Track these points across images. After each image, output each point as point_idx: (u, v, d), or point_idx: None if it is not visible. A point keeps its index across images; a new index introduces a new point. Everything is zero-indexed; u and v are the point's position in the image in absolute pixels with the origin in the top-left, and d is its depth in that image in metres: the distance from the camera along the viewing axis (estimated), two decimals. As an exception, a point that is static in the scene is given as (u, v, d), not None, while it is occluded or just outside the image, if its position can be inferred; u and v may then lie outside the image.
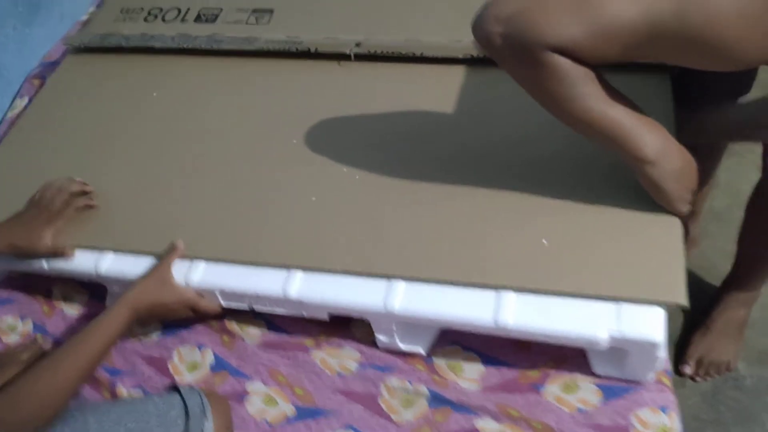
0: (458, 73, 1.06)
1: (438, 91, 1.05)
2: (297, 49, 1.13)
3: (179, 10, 1.26)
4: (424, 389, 0.87)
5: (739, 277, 1.25)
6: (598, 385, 0.85)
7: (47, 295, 1.04)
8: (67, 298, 1.03)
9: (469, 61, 1.06)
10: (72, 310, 1.02)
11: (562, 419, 0.82)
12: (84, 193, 0.97)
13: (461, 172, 0.93)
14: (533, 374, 0.87)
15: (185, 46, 1.18)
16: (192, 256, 0.91)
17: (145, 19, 1.26)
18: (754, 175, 1.11)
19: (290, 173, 0.98)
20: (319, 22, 1.18)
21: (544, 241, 0.84)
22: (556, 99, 0.74)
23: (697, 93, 1.00)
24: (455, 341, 0.91)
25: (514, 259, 0.83)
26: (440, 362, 0.90)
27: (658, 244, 0.82)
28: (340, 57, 1.12)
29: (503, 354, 0.89)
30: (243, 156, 1.02)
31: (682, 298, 0.77)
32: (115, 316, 0.80)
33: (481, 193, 0.90)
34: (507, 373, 0.88)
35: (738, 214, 1.22)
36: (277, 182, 0.97)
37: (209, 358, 0.93)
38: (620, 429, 0.81)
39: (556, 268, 0.82)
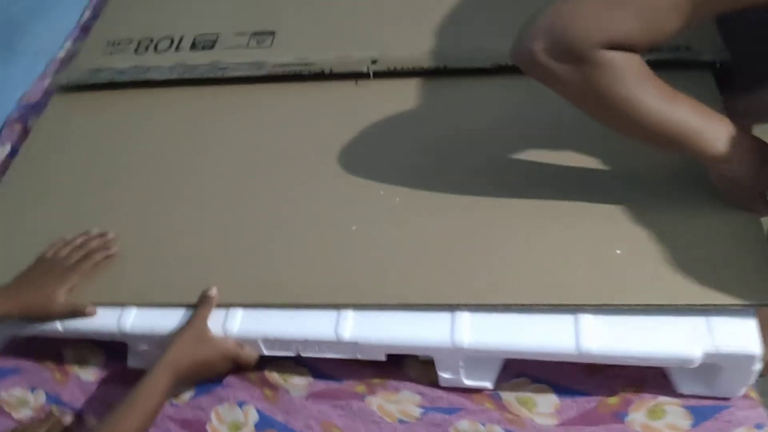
0: (484, 83, 1.00)
1: (465, 103, 0.98)
2: (310, 72, 1.05)
3: (172, 39, 1.16)
4: (498, 430, 0.79)
5: None
6: (686, 407, 0.78)
7: (58, 359, 0.93)
8: (81, 362, 0.93)
9: (496, 71, 1.00)
10: (88, 375, 0.91)
11: (655, 448, 0.75)
12: (105, 247, 0.87)
13: (509, 184, 0.86)
14: (613, 401, 0.80)
15: (187, 76, 1.09)
16: (227, 304, 0.82)
17: (136, 51, 1.17)
18: None
19: (323, 202, 0.90)
20: (326, 40, 1.10)
21: (617, 251, 0.77)
22: (614, 103, 0.69)
23: (742, 82, 0.95)
24: (522, 372, 0.83)
25: (588, 274, 0.76)
26: (509, 397, 0.82)
27: (739, 245, 0.76)
28: (356, 76, 1.04)
29: (577, 382, 0.82)
30: (267, 188, 0.93)
31: None
32: (155, 383, 0.71)
33: (536, 206, 0.83)
34: (584, 403, 0.80)
35: None
36: (310, 213, 0.89)
37: (253, 415, 0.84)
38: (718, 454, 0.74)
39: (635, 279, 0.75)
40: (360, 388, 0.85)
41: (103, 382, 0.90)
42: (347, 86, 1.04)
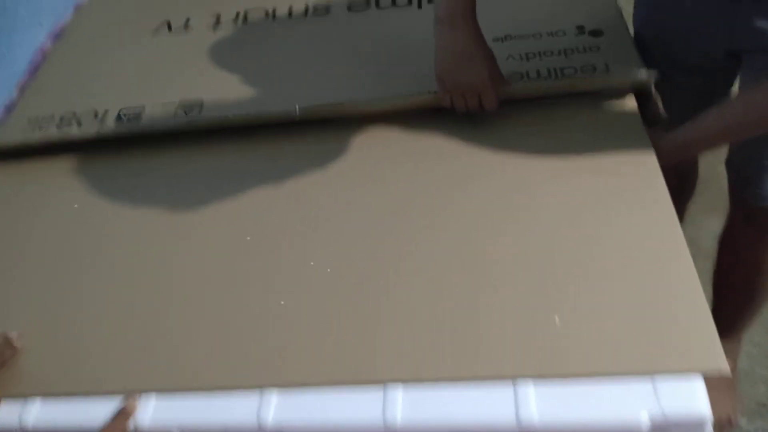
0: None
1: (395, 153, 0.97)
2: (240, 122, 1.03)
3: (96, 113, 1.12)
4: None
5: (718, 324, 1.19)
6: None
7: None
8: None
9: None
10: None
11: None
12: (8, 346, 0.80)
13: (437, 250, 0.83)
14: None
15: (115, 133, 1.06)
16: (138, 390, 0.75)
17: (58, 126, 1.12)
18: (709, 223, 1.12)
19: (247, 277, 0.84)
20: (253, 104, 1.07)
21: (556, 318, 0.73)
22: None
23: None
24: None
25: (526, 344, 0.72)
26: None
27: (680, 307, 0.73)
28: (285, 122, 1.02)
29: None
30: (179, 258, 0.88)
31: (722, 364, 0.68)
32: None
33: (477, 271, 0.80)
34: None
35: (701, 264, 1.19)
36: (230, 288, 0.83)
37: None
38: None
39: (575, 348, 0.71)
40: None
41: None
42: (272, 142, 1.02)
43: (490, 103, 0.94)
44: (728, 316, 1.21)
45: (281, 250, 0.87)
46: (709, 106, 0.89)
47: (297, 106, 1.01)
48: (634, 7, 1.13)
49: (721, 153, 1.15)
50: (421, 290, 0.79)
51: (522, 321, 0.74)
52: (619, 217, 0.83)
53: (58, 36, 1.38)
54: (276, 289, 0.82)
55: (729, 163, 1.12)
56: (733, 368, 1.27)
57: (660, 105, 0.97)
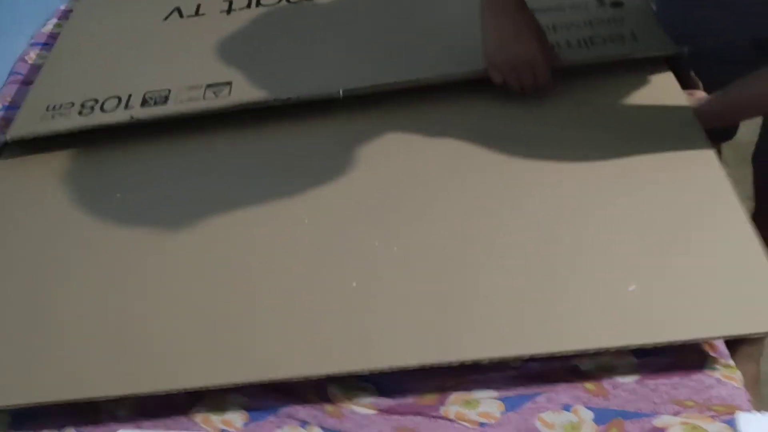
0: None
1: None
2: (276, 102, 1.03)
3: (119, 99, 1.10)
4: None
5: None
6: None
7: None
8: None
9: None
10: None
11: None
12: None
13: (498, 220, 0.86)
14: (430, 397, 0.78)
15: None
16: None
17: (80, 113, 1.09)
18: None
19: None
20: (286, 85, 1.07)
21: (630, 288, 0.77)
22: None
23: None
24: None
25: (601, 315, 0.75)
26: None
27: (744, 271, 0.77)
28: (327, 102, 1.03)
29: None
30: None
31: None
32: None
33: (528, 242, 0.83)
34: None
35: None
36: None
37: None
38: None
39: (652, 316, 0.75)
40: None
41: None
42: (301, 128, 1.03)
43: (543, 77, 0.94)
44: None
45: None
46: None
47: (341, 90, 1.02)
48: None
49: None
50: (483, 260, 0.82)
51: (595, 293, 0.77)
52: (673, 186, 0.87)
53: (49, 37, 1.36)
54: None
55: (755, 158, 1.11)
56: (757, 373, 1.24)
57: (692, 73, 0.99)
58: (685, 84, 0.99)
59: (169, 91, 1.10)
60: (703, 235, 0.81)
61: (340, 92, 1.02)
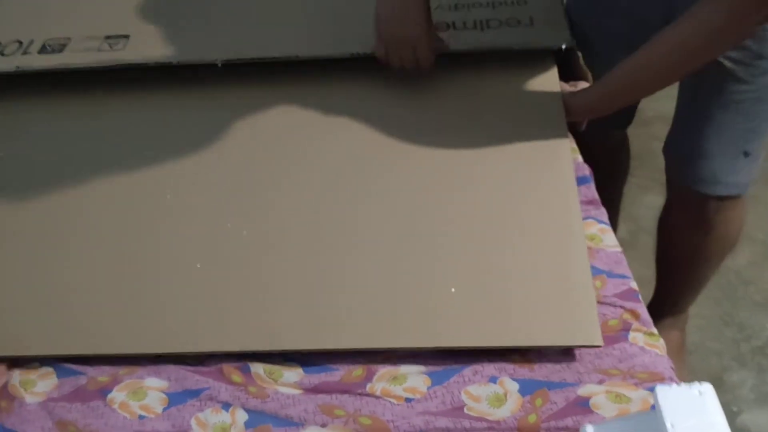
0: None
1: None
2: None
3: (20, 43, 1.05)
4: None
5: (663, 301, 1.23)
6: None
7: None
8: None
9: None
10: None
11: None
12: None
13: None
14: (358, 373, 0.78)
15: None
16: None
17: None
18: (648, 199, 1.12)
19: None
20: (181, 44, 1.03)
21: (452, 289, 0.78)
22: None
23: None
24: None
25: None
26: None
27: (566, 284, 0.79)
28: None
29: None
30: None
31: (598, 340, 0.74)
32: None
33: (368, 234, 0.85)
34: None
35: (643, 239, 1.20)
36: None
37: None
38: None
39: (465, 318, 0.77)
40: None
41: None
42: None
43: (425, 60, 0.93)
44: (671, 292, 1.22)
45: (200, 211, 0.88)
46: None
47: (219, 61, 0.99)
48: None
49: (654, 129, 1.14)
50: (312, 257, 0.83)
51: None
52: (522, 189, 0.88)
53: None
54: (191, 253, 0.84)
55: (666, 147, 1.09)
56: (681, 342, 1.26)
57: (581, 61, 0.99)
58: (575, 73, 0.98)
59: (69, 39, 1.05)
60: (534, 238, 0.83)
61: (219, 62, 0.98)
